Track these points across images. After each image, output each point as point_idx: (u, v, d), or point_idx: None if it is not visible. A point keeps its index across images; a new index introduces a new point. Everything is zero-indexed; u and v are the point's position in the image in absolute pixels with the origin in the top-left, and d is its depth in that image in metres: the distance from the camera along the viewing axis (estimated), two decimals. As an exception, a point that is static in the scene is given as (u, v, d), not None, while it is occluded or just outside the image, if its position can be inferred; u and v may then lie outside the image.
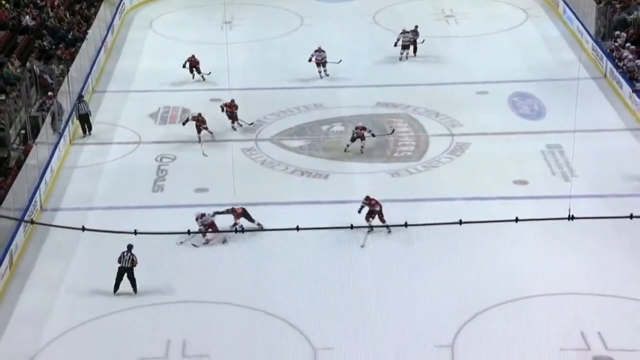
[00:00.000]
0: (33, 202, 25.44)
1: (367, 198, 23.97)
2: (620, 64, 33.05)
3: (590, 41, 35.80)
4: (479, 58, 35.68)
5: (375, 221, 23.72)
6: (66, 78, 31.30)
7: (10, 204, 24.20)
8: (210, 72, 33.15)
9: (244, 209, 23.63)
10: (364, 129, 28.03)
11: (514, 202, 25.25)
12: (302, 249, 22.95)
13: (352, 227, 18.98)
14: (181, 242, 23.10)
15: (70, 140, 29.53)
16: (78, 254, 23.68)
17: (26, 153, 27.08)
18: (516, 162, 28.13)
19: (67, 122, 29.54)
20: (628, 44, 33.84)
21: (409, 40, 35.04)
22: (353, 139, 27.97)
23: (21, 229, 23.96)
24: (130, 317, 21.39)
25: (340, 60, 33.74)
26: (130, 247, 21.54)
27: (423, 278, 22.52)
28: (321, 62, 33.56)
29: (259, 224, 23.54)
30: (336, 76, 33.77)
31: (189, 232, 18.65)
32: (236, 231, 19.22)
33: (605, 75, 33.73)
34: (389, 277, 22.61)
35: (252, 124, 30.19)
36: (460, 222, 18.36)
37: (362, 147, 28.16)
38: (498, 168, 27.84)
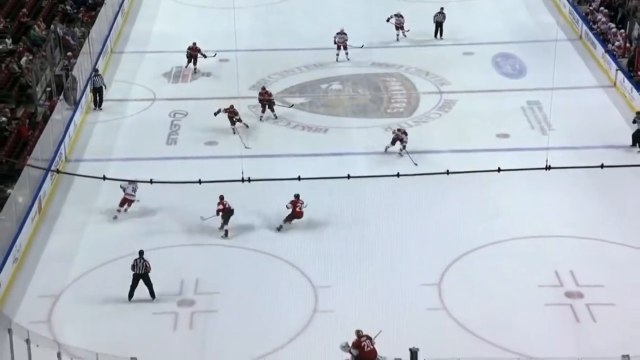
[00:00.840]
0: (58, 154, 25.50)
1: (297, 197, 22.19)
2: (595, 27, 32.88)
3: (568, 5, 35.56)
4: (465, 21, 35.40)
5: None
6: (87, 40, 31.14)
7: (38, 154, 24.31)
8: (215, 54, 31.44)
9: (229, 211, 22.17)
10: (405, 133, 25.43)
11: (497, 154, 25.27)
12: (303, 197, 23.01)
13: (349, 176, 19.00)
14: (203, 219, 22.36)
15: (91, 90, 29.37)
16: (99, 201, 23.77)
17: (51, 108, 27.10)
18: (499, 117, 28.12)
19: (85, 86, 29.34)
20: (602, 8, 33.68)
21: (401, 23, 33.57)
22: (393, 141, 25.38)
23: (48, 177, 24.05)
24: (147, 258, 21.51)
25: (363, 46, 32.45)
26: (141, 253, 19.95)
27: (413, 223, 22.63)
28: (342, 44, 31.76)
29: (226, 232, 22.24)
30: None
31: (199, 182, 18.68)
32: (243, 181, 19.27)
33: (580, 37, 33.55)
34: (382, 222, 22.71)
35: (292, 105, 28.69)
36: (448, 172, 18.43)
37: (402, 149, 25.35)
38: (482, 122, 27.82)
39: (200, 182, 18.31)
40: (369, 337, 17.33)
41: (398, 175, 18.92)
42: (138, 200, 22.98)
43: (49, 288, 20.52)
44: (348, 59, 31.77)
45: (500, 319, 19.10)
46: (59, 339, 17.94)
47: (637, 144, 25.80)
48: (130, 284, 19.79)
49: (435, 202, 23.36)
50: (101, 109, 29.08)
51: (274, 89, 30.06)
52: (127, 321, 19.33)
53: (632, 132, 26.05)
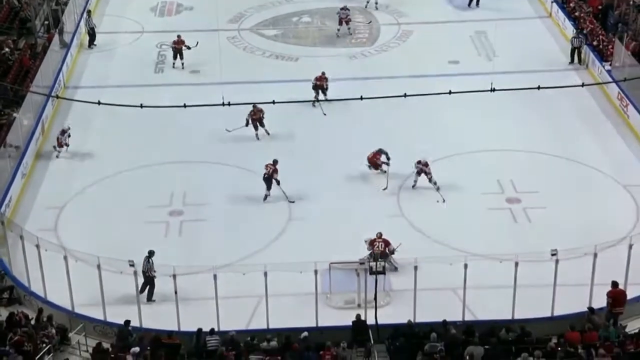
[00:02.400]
0: (58, 81, 25.19)
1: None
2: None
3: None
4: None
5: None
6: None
7: (39, 82, 24.00)
8: (197, 43, 26.75)
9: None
10: (426, 164, 20.69)
11: (448, 79, 25.27)
12: (278, 119, 23.02)
13: (317, 100, 18.95)
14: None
15: (87, 31, 28.84)
16: (96, 124, 23.67)
17: (50, 40, 26.63)
18: (450, 46, 28.08)
19: (78, 23, 28.75)
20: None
21: None
22: (418, 173, 20.72)
23: (49, 103, 23.81)
24: (140, 174, 21.59)
25: (370, 22, 29.84)
26: (150, 253, 17.38)
27: (376, 142, 22.67)
28: (345, 20, 28.80)
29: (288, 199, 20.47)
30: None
31: (184, 106, 18.61)
32: (223, 104, 19.19)
33: (521, -27, 33.27)
34: (348, 141, 22.78)
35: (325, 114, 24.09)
36: (405, 95, 18.45)
37: (432, 181, 20.66)
38: (436, 51, 27.79)
39: (185, 106, 18.23)
40: (385, 241, 17.64)
41: (361, 98, 18.89)
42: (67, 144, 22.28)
43: (54, 200, 20.56)
44: (350, 34, 28.88)
45: (450, 223, 19.47)
46: (64, 244, 18.05)
47: (574, 59, 26.38)
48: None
49: (394, 122, 23.45)
50: (95, 45, 28.39)
51: (250, 22, 29.68)
52: (123, 229, 19.46)
53: (565, 57, 26.26)
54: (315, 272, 16.12)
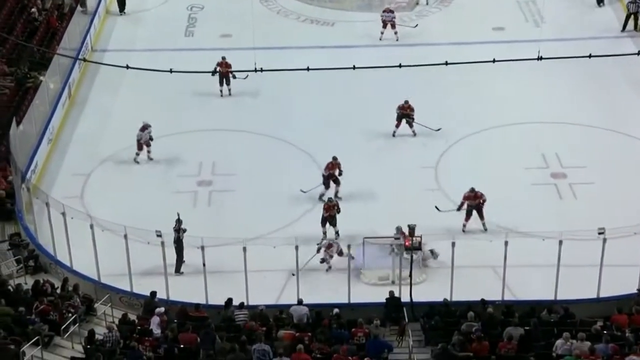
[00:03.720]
0: (85, 44, 25.35)
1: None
2: None
3: None
4: None
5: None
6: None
7: (66, 44, 24.17)
8: (247, 76, 21.92)
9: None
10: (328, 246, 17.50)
11: (493, 46, 24.95)
12: (312, 86, 22.95)
13: (354, 67, 18.77)
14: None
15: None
16: (124, 88, 23.82)
17: (77, 1, 26.73)
18: (495, 11, 27.71)
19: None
20: None
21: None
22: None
23: (76, 66, 24.01)
24: (168, 142, 21.67)
25: (417, 25, 27.29)
26: (179, 221, 17.41)
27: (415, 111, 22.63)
28: (390, 22, 26.26)
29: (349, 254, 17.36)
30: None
31: (214, 71, 18.56)
32: (256, 70, 19.15)
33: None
34: (385, 110, 22.59)
35: (438, 129, 22.02)
36: (447, 63, 18.27)
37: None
38: (480, 17, 27.43)
39: (215, 71, 18.27)
40: (417, 238, 17.36)
41: (400, 66, 18.74)
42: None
43: (80, 167, 20.79)
44: (397, 40, 26.31)
45: (491, 198, 19.25)
46: (90, 212, 18.25)
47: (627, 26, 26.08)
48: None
49: (434, 92, 23.24)
50: (125, 12, 28.26)
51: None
52: (151, 198, 19.63)
53: (618, 23, 25.83)
54: (349, 246, 16.12)
